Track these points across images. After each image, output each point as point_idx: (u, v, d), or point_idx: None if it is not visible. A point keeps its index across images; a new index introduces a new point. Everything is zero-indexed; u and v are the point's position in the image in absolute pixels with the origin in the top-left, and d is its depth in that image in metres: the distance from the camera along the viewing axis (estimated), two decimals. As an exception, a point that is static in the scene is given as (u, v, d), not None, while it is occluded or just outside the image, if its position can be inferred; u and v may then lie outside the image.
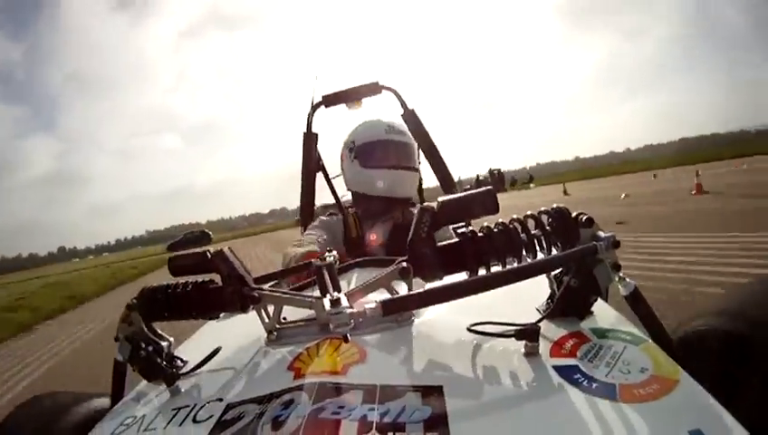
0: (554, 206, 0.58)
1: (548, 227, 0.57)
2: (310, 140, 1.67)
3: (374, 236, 1.34)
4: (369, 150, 1.34)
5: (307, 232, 1.43)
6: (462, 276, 0.54)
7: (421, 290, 0.53)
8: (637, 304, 0.59)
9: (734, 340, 0.64)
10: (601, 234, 0.55)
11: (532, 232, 0.55)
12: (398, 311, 0.54)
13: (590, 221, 0.57)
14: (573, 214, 0.58)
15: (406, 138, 1.38)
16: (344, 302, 0.50)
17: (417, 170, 1.39)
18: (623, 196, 11.64)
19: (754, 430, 0.39)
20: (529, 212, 0.58)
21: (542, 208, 0.58)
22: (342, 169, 1.47)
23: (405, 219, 1.37)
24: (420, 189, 2.00)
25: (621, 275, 0.55)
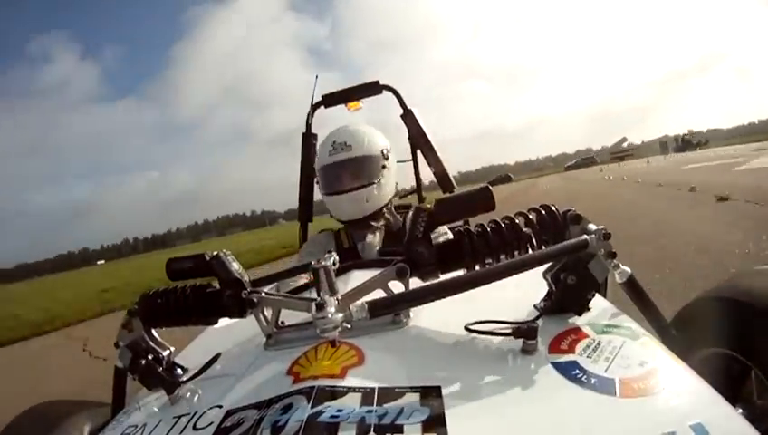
0: (542, 204, 0.59)
1: (537, 225, 0.57)
2: (309, 140, 1.66)
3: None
4: (322, 177, 1.31)
5: (300, 254, 1.44)
6: (459, 275, 0.54)
7: (408, 290, 0.53)
8: (633, 291, 0.59)
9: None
10: (592, 227, 0.55)
11: (524, 230, 0.55)
12: (387, 312, 0.54)
13: (579, 217, 0.57)
14: (562, 211, 0.58)
15: (353, 151, 1.24)
16: (331, 306, 0.50)
17: (375, 183, 1.25)
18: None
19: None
20: (521, 210, 0.58)
21: (531, 207, 0.58)
22: None
23: (395, 225, 1.35)
24: (419, 189, 1.99)
25: (616, 262, 0.55)
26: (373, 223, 1.32)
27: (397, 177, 1.38)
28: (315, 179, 1.49)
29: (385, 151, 1.29)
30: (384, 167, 1.28)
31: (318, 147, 1.35)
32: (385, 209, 1.35)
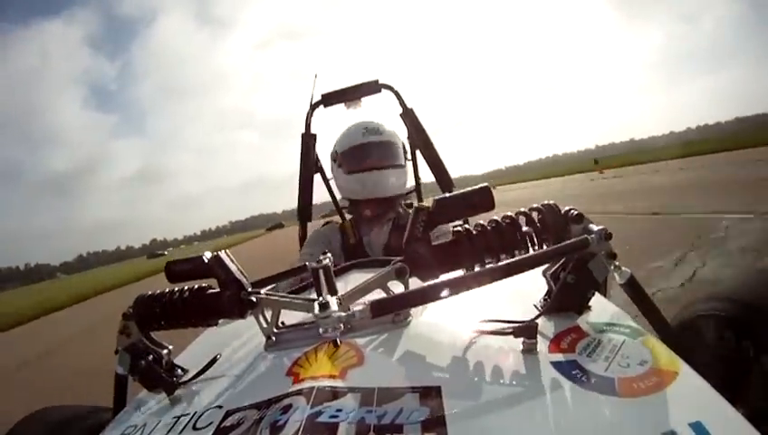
0: (544, 202, 0.58)
1: (538, 224, 0.57)
2: (308, 140, 1.66)
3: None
4: (350, 156, 1.36)
5: (302, 251, 1.44)
6: (458, 275, 0.54)
7: (410, 290, 0.53)
8: (633, 292, 0.59)
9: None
10: (593, 227, 0.55)
11: (524, 229, 0.55)
12: (388, 312, 0.54)
13: (581, 217, 0.56)
14: (563, 210, 0.58)
15: (385, 136, 1.37)
16: (333, 305, 0.50)
17: (401, 166, 1.38)
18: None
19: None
20: (522, 209, 0.58)
21: (534, 205, 0.58)
22: (333, 178, 1.49)
23: (403, 219, 1.37)
24: (419, 189, 1.99)
25: (617, 263, 0.55)
26: (390, 209, 1.38)
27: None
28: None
29: (404, 145, 1.43)
30: (406, 159, 1.41)
31: (342, 135, 1.40)
32: (401, 200, 1.43)
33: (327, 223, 1.49)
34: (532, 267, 0.52)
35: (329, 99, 1.72)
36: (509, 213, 0.58)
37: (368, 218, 1.39)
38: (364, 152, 1.34)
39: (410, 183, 1.42)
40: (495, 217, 0.58)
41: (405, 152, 1.42)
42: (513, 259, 0.53)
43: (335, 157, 1.41)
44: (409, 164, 1.92)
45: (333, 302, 0.51)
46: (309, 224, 1.75)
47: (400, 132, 1.66)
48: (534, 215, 0.58)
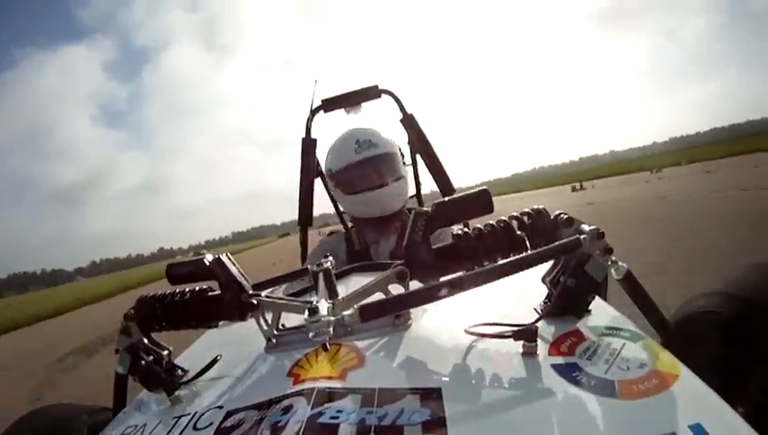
0: (534, 207, 0.59)
1: (529, 228, 0.57)
2: (308, 145, 1.67)
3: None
4: (347, 177, 1.27)
5: (307, 261, 1.41)
6: (452, 277, 0.54)
7: (400, 293, 0.53)
8: (631, 288, 0.59)
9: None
10: (585, 227, 0.55)
11: (518, 232, 0.56)
12: (378, 316, 0.53)
13: (570, 220, 0.57)
14: (553, 214, 0.58)
15: (380, 148, 1.25)
16: (323, 310, 0.50)
17: (402, 177, 1.28)
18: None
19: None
20: (514, 213, 0.58)
21: (524, 210, 0.59)
22: (333, 193, 1.43)
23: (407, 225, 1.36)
24: (419, 193, 2.00)
25: (613, 259, 0.55)
26: (396, 221, 1.32)
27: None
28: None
29: (401, 150, 1.32)
30: (404, 163, 1.31)
31: (332, 149, 1.32)
32: (406, 207, 1.37)
33: (331, 233, 1.47)
34: (528, 268, 0.52)
35: (329, 104, 1.73)
36: (502, 217, 0.58)
37: (374, 233, 1.35)
38: (360, 172, 1.24)
39: (412, 189, 1.35)
40: (491, 222, 0.58)
41: (403, 157, 1.33)
42: (508, 260, 0.53)
43: (330, 175, 1.34)
44: (409, 168, 1.92)
45: (323, 306, 0.51)
46: (310, 233, 1.75)
47: (399, 136, 1.65)
48: (525, 219, 0.58)
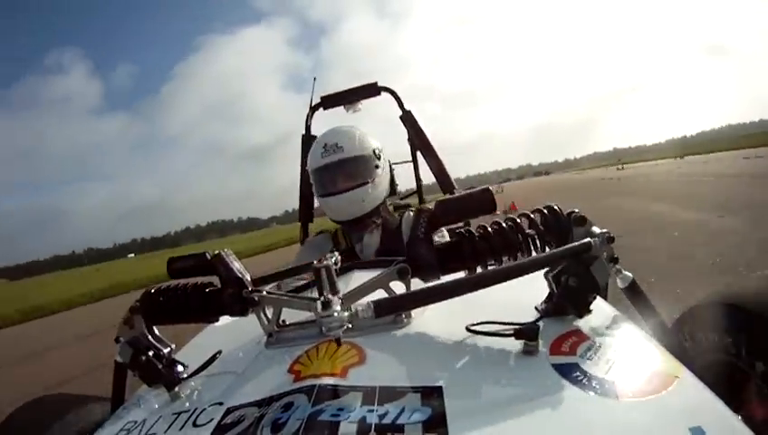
0: (547, 204, 0.58)
1: (541, 226, 0.57)
2: (308, 142, 1.66)
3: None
4: (316, 179, 1.30)
5: (295, 259, 1.42)
6: (460, 276, 0.54)
7: (414, 290, 0.53)
8: (634, 296, 0.59)
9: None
10: (596, 230, 0.55)
11: (527, 231, 0.55)
12: (391, 312, 0.53)
13: (583, 219, 0.57)
14: (566, 212, 0.58)
15: (346, 152, 1.24)
16: (336, 304, 0.50)
17: (368, 182, 1.25)
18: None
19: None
20: (526, 211, 0.58)
21: (536, 208, 0.58)
22: None
23: (391, 223, 1.34)
24: (420, 190, 1.99)
25: (618, 267, 0.55)
26: (369, 222, 1.31)
27: (389, 176, 1.36)
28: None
29: (377, 151, 1.29)
30: (377, 166, 1.28)
31: (310, 152, 1.33)
32: (381, 208, 1.34)
33: (319, 232, 1.48)
34: (535, 270, 0.52)
35: (328, 101, 1.72)
36: (511, 215, 0.58)
37: (351, 231, 1.35)
38: (325, 176, 1.26)
39: (385, 190, 1.32)
40: (498, 220, 0.58)
41: (378, 159, 1.29)
42: (515, 262, 0.53)
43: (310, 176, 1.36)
44: (401, 167, 1.91)
45: (336, 301, 0.51)
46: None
47: (400, 134, 1.64)
48: (537, 217, 0.58)
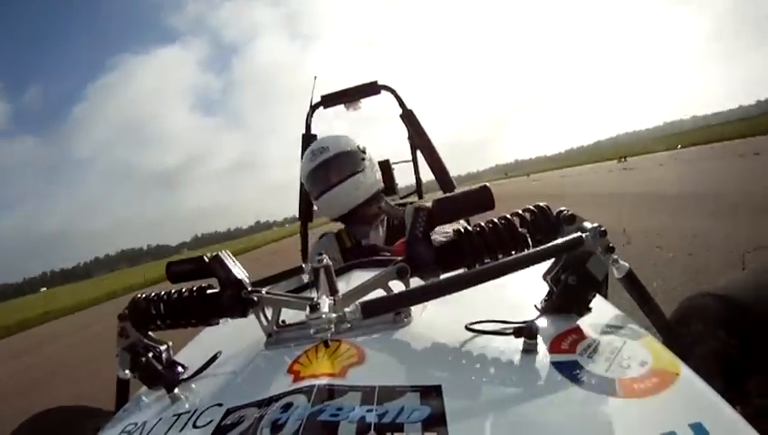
0: (536, 203, 0.58)
1: (531, 225, 0.57)
2: (308, 141, 1.66)
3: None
4: (310, 183, 1.37)
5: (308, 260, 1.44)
6: (455, 274, 0.54)
7: (402, 290, 0.52)
8: (631, 286, 0.59)
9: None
10: (587, 225, 0.55)
11: (519, 229, 0.55)
12: (379, 313, 0.53)
13: (573, 217, 0.57)
14: (555, 211, 0.58)
15: (331, 151, 1.32)
16: (324, 306, 0.50)
17: (358, 172, 1.32)
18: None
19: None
20: (517, 210, 0.58)
21: (526, 206, 0.58)
22: None
23: (394, 218, 1.38)
24: (419, 189, 1.99)
25: (615, 257, 0.55)
26: (368, 214, 1.35)
27: (379, 172, 1.41)
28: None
29: (361, 147, 1.36)
30: (363, 159, 1.34)
31: (301, 165, 1.40)
32: (384, 203, 1.40)
33: (324, 235, 1.49)
34: (529, 265, 0.51)
35: (328, 100, 1.72)
36: (504, 214, 0.58)
37: (353, 229, 1.40)
38: (317, 176, 1.33)
39: (378, 181, 1.37)
40: (492, 218, 0.58)
41: (363, 153, 1.36)
42: (506, 259, 0.52)
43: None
44: (410, 163, 1.91)
45: (325, 302, 0.51)
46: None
47: (400, 133, 1.63)
48: (527, 216, 0.58)
